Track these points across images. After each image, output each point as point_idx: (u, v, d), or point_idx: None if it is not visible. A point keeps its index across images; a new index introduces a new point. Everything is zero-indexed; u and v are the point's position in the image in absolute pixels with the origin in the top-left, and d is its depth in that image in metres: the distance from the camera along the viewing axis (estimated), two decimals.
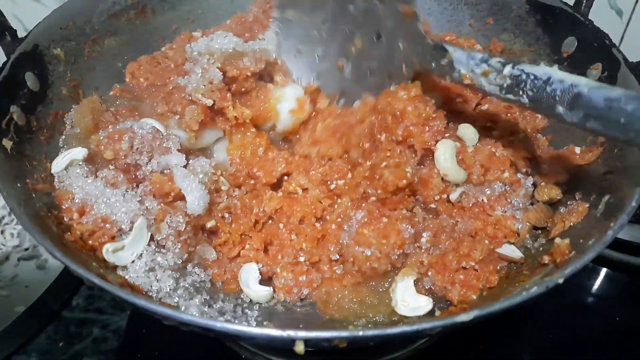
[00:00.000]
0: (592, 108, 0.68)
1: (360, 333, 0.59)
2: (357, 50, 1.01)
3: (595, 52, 1.01)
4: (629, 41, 1.61)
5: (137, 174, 0.88)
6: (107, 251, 0.80)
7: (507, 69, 0.78)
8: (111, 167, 0.88)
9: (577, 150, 0.94)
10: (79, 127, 0.98)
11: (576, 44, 1.06)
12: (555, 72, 0.74)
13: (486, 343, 1.08)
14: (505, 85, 0.79)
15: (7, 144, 0.84)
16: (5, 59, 0.93)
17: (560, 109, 0.72)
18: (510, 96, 0.79)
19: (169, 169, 0.89)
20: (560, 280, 0.65)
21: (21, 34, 0.99)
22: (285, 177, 0.97)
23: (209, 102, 0.93)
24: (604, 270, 1.24)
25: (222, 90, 0.94)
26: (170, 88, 0.94)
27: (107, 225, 0.82)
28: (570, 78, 0.72)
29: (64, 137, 0.97)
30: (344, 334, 0.59)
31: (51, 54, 1.01)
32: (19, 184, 0.80)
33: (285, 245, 0.88)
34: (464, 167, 0.90)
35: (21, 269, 1.24)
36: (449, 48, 0.86)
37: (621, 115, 0.65)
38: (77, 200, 0.84)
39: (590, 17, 1.06)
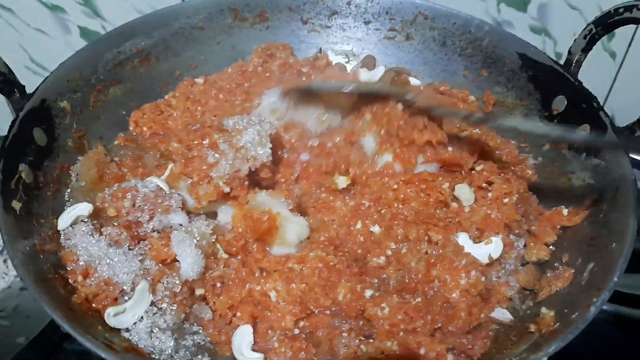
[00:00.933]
0: None
1: None
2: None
3: (584, 113, 1.05)
4: (621, 82, 1.64)
5: (139, 231, 0.91)
6: (109, 315, 0.82)
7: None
8: (115, 224, 0.91)
9: (565, 211, 0.98)
10: (84, 180, 1.01)
11: (566, 102, 1.09)
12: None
13: None
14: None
15: (16, 205, 0.87)
16: (13, 115, 0.96)
17: None
18: None
19: (171, 227, 0.92)
20: (544, 359, 0.68)
21: (27, 63, 1.01)
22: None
23: (227, 190, 0.94)
24: None
25: (242, 180, 0.95)
26: (194, 154, 0.95)
27: (110, 287, 0.85)
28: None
29: (69, 190, 1.01)
30: None
31: (58, 107, 1.04)
32: (27, 247, 0.83)
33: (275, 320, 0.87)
34: (460, 229, 0.94)
35: (23, 299, 1.25)
36: None
37: None
38: (81, 262, 0.86)
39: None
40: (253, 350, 0.84)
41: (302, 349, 0.84)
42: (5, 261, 1.33)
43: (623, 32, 1.51)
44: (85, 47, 1.15)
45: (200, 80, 1.25)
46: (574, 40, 1.10)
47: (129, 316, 0.83)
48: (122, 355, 0.72)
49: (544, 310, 0.84)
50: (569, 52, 1.11)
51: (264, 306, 0.87)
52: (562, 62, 1.13)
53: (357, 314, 0.86)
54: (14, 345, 1.13)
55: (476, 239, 0.94)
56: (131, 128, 1.17)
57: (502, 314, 0.88)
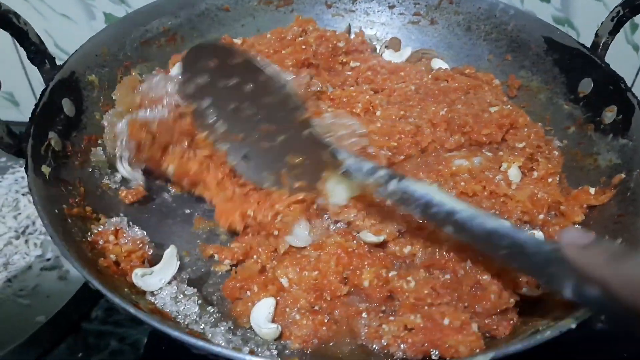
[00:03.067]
0: (476, 236, 0.72)
1: None
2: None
3: (611, 94, 1.04)
4: None
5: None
6: (137, 275, 0.83)
7: (392, 185, 0.80)
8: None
9: (592, 190, 0.97)
10: (122, 105, 1.03)
11: (592, 85, 1.09)
12: (435, 194, 0.76)
13: None
14: (397, 198, 0.80)
15: (46, 170, 0.88)
16: (43, 86, 0.97)
17: (449, 229, 0.75)
18: (404, 207, 0.80)
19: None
20: (573, 325, 0.68)
21: (52, 49, 1.03)
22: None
23: None
24: None
25: None
26: None
27: (146, 246, 0.88)
28: (448, 203, 0.74)
29: (108, 117, 1.03)
30: None
31: (86, 80, 1.06)
32: (56, 210, 0.84)
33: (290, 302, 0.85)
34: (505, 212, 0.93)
35: (43, 279, 1.26)
36: (340, 155, 0.87)
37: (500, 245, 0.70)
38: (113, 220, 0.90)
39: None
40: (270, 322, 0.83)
41: (324, 324, 0.83)
42: (26, 242, 1.35)
43: None
44: (113, 23, 1.16)
45: (238, 40, 1.25)
46: (602, 23, 1.10)
47: (155, 279, 0.84)
48: (149, 315, 0.72)
49: None
50: (596, 35, 1.11)
51: (278, 287, 0.87)
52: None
53: (384, 297, 0.84)
54: (34, 324, 1.14)
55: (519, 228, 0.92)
56: (170, 68, 1.19)
57: (530, 290, 0.86)
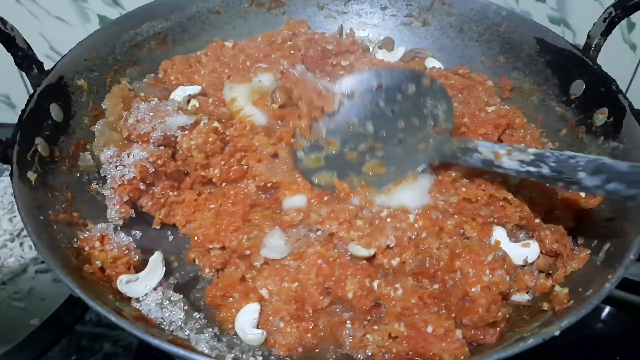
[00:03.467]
0: (616, 172, 0.72)
1: None
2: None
3: (602, 96, 1.04)
4: None
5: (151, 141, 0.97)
6: (121, 282, 0.83)
7: (532, 150, 0.81)
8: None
9: (582, 194, 0.96)
10: (112, 115, 1.03)
11: (584, 87, 1.08)
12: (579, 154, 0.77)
13: None
14: (527, 160, 0.80)
15: (32, 176, 0.88)
16: (31, 91, 0.97)
17: (581, 175, 0.74)
18: (531, 168, 0.79)
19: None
20: (557, 332, 0.67)
21: (47, 52, 1.03)
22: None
23: None
24: (607, 308, 1.25)
25: None
26: None
27: (132, 253, 0.88)
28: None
29: (98, 126, 1.02)
30: None
31: (75, 84, 1.05)
32: (41, 216, 0.84)
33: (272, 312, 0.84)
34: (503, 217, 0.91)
35: (38, 282, 1.27)
36: (475, 143, 0.88)
37: None
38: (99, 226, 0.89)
39: (603, 51, 1.09)
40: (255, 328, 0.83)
41: (309, 331, 0.82)
42: (21, 244, 1.35)
43: None
44: (103, 27, 1.16)
45: (229, 43, 1.25)
46: (593, 24, 1.09)
47: (140, 286, 0.84)
48: (131, 322, 0.72)
49: (557, 288, 0.82)
50: (588, 36, 1.10)
51: (259, 297, 0.86)
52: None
53: (370, 307, 0.83)
54: (28, 326, 1.16)
55: (513, 232, 0.92)
56: (160, 75, 1.19)
57: (519, 296, 0.86)
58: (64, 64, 1.05)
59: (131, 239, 0.92)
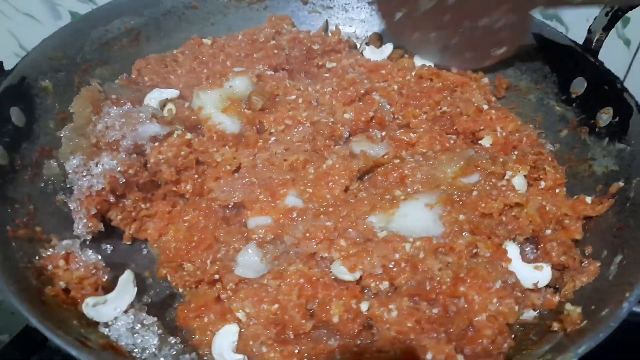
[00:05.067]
0: None
1: None
2: None
3: (606, 95, 0.98)
4: (636, 70, 1.57)
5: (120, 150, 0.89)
6: (87, 305, 0.75)
7: None
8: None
9: (588, 200, 0.90)
10: (80, 119, 0.94)
11: (585, 85, 1.02)
12: None
13: None
14: None
15: None
16: None
17: None
18: None
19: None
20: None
21: (16, 50, 0.95)
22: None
23: None
24: None
25: None
26: None
27: (100, 272, 0.79)
28: None
29: (65, 132, 0.93)
30: None
31: (39, 86, 0.98)
32: None
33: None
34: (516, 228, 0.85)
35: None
36: None
37: None
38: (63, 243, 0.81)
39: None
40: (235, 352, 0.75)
41: (294, 354, 0.74)
42: None
43: (639, 19, 1.45)
44: (69, 24, 1.09)
45: (208, 40, 1.17)
46: (595, 18, 1.03)
47: (109, 308, 0.76)
48: (96, 353, 0.64)
49: (568, 307, 0.75)
50: (589, 31, 1.04)
51: (237, 319, 0.78)
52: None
53: (357, 332, 0.75)
54: None
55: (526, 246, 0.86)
56: (133, 75, 1.11)
57: (525, 314, 0.79)
58: (27, 63, 0.97)
59: (99, 257, 0.83)
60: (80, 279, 0.78)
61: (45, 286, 0.76)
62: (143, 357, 0.73)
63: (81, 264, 0.80)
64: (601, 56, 1.03)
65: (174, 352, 0.75)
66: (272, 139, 0.96)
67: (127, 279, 0.78)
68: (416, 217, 0.83)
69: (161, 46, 1.19)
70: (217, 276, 0.81)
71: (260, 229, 0.83)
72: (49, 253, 0.81)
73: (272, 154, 0.93)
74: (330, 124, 0.98)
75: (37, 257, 0.80)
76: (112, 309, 0.76)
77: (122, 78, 1.10)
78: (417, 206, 0.84)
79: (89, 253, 0.83)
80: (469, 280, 0.74)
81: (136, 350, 0.74)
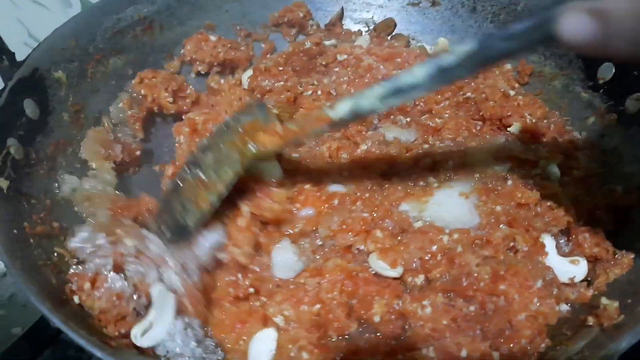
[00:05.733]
0: None
1: None
2: None
3: (635, 80, 0.94)
4: None
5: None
6: (136, 337, 0.71)
7: None
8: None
9: (619, 189, 0.88)
10: (93, 161, 0.95)
11: (614, 70, 0.99)
12: None
13: None
14: None
15: (4, 183, 0.78)
16: (2, 85, 0.87)
17: None
18: None
19: None
20: (615, 357, 0.59)
21: (25, 39, 0.93)
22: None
23: None
24: None
25: None
26: None
27: (123, 302, 0.73)
28: None
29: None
30: None
31: (52, 77, 0.95)
32: (15, 230, 0.75)
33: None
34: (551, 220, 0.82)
35: (20, 288, 1.19)
36: None
37: None
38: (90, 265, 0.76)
39: None
40: None
41: None
42: None
43: None
44: (81, 13, 1.07)
45: (214, 37, 1.16)
46: None
47: (158, 329, 0.71)
48: (121, 353, 0.62)
49: (604, 301, 0.73)
50: None
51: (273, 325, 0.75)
52: None
53: (398, 335, 0.73)
54: (10, 337, 1.06)
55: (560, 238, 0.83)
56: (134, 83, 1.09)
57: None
58: (39, 54, 0.94)
59: (126, 283, 0.75)
60: (102, 311, 0.73)
61: (66, 284, 0.74)
62: (168, 357, 0.71)
63: (104, 292, 0.73)
64: None
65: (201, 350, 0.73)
66: None
67: (160, 293, 0.74)
68: (451, 207, 0.81)
69: (175, 34, 1.16)
70: (252, 289, 0.78)
71: (299, 222, 0.81)
72: (77, 270, 0.76)
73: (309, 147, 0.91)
74: None
75: (55, 254, 0.78)
76: (161, 327, 0.72)
77: (126, 100, 1.06)
78: (451, 195, 0.82)
79: (116, 278, 0.75)
80: (509, 278, 0.71)
81: (159, 348, 0.72)
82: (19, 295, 1.17)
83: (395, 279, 0.76)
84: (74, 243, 0.78)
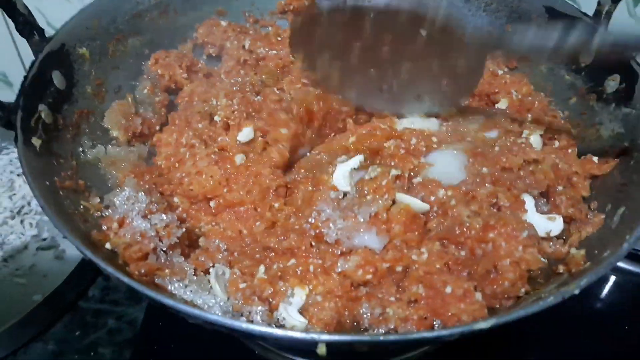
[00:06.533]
0: None
1: (381, 338, 0.61)
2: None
3: (614, 63, 1.02)
4: None
5: None
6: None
7: (599, 36, 0.79)
8: None
9: (595, 159, 0.96)
10: (116, 130, 1.04)
11: (594, 54, 1.06)
12: None
13: (493, 347, 1.09)
14: (610, 47, 0.79)
15: (36, 142, 0.86)
16: (33, 58, 0.95)
17: None
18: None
19: None
20: (577, 291, 0.66)
21: (44, 27, 1.00)
22: None
23: None
24: (613, 277, 1.25)
25: None
26: None
27: (145, 241, 0.81)
28: None
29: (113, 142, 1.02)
30: (366, 338, 0.61)
31: (77, 52, 1.03)
32: (47, 182, 0.82)
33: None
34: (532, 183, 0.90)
35: (39, 259, 1.26)
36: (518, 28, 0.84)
37: None
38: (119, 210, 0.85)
39: (609, 25, 1.07)
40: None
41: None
42: (22, 222, 1.33)
43: None
44: None
45: (224, 22, 1.24)
46: None
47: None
48: (145, 287, 0.70)
49: (573, 250, 0.81)
50: (599, 3, 1.08)
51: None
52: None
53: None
54: (31, 303, 1.14)
55: (539, 200, 0.91)
56: (150, 63, 1.17)
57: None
58: (66, 31, 1.02)
59: (149, 225, 0.84)
60: (126, 247, 0.81)
61: (91, 230, 0.82)
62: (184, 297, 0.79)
63: (129, 230, 0.83)
64: None
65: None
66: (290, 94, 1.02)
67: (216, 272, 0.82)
68: (442, 165, 0.90)
69: (188, 19, 1.24)
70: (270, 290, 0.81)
71: None
72: (106, 214, 0.86)
73: None
74: None
75: (81, 207, 0.87)
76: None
77: (149, 87, 1.14)
78: (445, 154, 0.91)
79: (141, 221, 0.84)
80: (498, 228, 0.79)
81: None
82: (38, 266, 1.23)
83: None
84: (117, 199, 0.88)
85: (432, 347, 1.03)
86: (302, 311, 0.78)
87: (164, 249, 0.83)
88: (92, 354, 1.13)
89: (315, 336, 0.60)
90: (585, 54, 0.82)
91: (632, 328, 1.15)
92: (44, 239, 1.30)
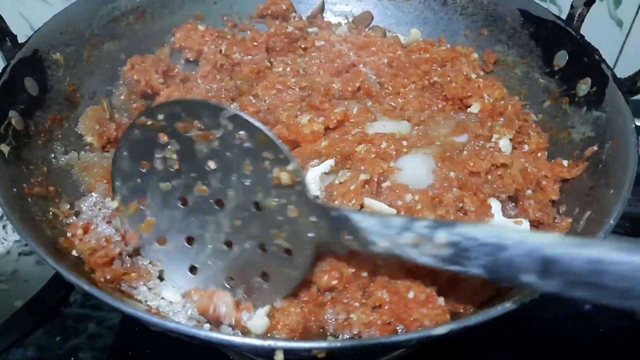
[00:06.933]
0: (573, 274, 0.53)
1: (338, 344, 0.62)
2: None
3: (585, 66, 1.03)
4: (628, 52, 1.61)
5: None
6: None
7: (441, 236, 0.63)
8: None
9: (565, 163, 0.96)
10: (90, 136, 1.03)
11: (567, 57, 1.07)
12: (509, 234, 0.59)
13: (479, 346, 1.09)
14: (445, 255, 0.63)
15: (5, 149, 0.86)
16: (5, 64, 0.95)
17: (527, 278, 0.57)
18: (457, 267, 0.62)
19: None
20: (536, 296, 0.67)
21: (27, 32, 1.01)
22: None
23: None
24: None
25: None
26: None
27: (111, 245, 0.81)
28: (533, 239, 0.57)
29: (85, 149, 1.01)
30: (323, 345, 0.61)
31: (50, 58, 1.03)
32: (14, 189, 0.82)
33: None
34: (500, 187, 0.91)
35: (21, 264, 1.25)
36: (353, 217, 0.69)
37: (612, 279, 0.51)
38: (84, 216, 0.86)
39: (589, 27, 1.08)
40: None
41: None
42: (4, 227, 1.33)
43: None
44: (80, 0, 1.13)
45: (202, 27, 1.24)
46: None
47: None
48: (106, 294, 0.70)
49: None
50: (572, 6, 1.08)
51: None
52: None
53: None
54: (12, 308, 1.14)
55: (507, 204, 0.91)
56: (127, 68, 1.16)
57: None
58: (39, 37, 1.02)
59: (114, 230, 0.84)
60: (92, 252, 0.80)
61: (59, 237, 0.82)
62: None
63: (94, 235, 0.83)
64: (592, 37, 1.07)
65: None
66: (266, 101, 1.02)
67: None
68: (410, 169, 0.90)
69: (165, 23, 1.25)
70: None
71: None
72: (71, 221, 0.86)
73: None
74: (323, 83, 1.05)
75: (50, 213, 0.86)
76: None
77: (126, 92, 1.14)
78: (414, 158, 0.91)
79: (106, 227, 0.84)
80: None
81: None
82: (21, 272, 1.23)
83: None
84: (85, 205, 0.88)
85: (411, 349, 1.03)
86: (269, 316, 0.78)
87: (129, 253, 0.83)
88: (72, 359, 1.13)
89: (272, 343, 0.60)
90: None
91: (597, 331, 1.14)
92: (26, 245, 1.28)
